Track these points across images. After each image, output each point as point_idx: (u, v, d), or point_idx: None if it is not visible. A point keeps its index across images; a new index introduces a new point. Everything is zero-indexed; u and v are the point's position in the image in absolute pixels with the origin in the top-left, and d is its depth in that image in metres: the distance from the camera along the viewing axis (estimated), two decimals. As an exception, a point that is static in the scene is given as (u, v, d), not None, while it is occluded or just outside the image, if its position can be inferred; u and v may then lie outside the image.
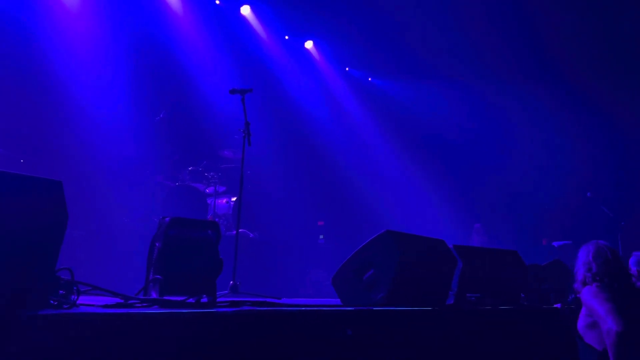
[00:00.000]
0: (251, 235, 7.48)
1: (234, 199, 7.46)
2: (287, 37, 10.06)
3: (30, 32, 6.85)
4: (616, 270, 3.38)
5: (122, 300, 2.48)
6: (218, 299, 3.31)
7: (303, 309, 2.64)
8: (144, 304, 2.49)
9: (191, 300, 2.62)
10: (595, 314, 3.29)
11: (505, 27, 8.67)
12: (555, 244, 8.87)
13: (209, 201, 7.33)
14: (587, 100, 9.77)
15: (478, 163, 10.76)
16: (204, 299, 2.67)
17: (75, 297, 2.24)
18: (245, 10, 9.36)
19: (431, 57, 9.94)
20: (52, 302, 2.16)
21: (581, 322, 3.46)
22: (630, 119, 9.57)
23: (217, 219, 7.31)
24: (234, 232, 5.32)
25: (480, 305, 4.07)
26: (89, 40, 7.48)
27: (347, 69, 11.23)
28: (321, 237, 9.26)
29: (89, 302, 2.47)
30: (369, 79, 11.58)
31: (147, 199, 7.11)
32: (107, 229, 6.36)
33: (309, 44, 10.36)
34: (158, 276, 2.56)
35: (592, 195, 8.29)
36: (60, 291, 2.27)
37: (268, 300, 3.92)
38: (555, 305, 4.69)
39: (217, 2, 9.10)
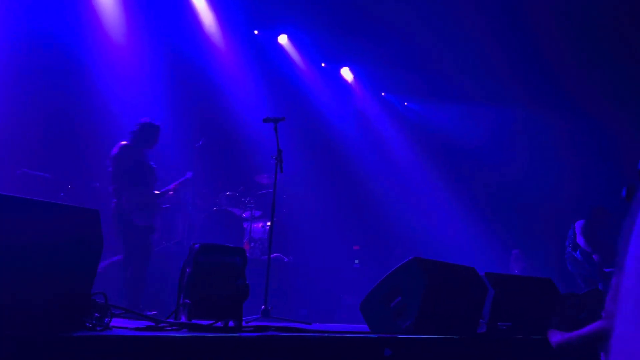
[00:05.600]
0: (286, 259, 7.58)
1: (269, 223, 7.59)
2: (323, 65, 10.26)
3: (79, 61, 7.27)
4: None
5: (153, 324, 2.60)
6: (249, 323, 3.41)
7: (327, 335, 2.69)
8: (174, 328, 2.60)
9: (218, 324, 2.72)
10: None
11: (542, 52, 8.61)
12: (605, 270, 8.57)
13: (245, 225, 7.50)
14: (629, 126, 9.53)
15: (517, 188, 10.57)
16: (231, 323, 2.77)
17: (109, 320, 2.37)
18: (283, 39, 9.62)
19: (467, 81, 9.92)
20: (87, 324, 2.31)
21: None
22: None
23: (252, 243, 7.46)
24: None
25: (511, 334, 4.01)
26: (134, 69, 7.86)
27: (383, 94, 11.33)
28: (356, 261, 9.27)
29: (122, 325, 2.61)
30: (405, 103, 11.63)
31: (186, 223, 7.33)
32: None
33: (345, 71, 10.53)
34: (187, 300, 2.68)
35: None
36: (96, 314, 2.41)
37: (296, 325, 3.99)
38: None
39: (256, 32, 9.41)
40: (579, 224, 7.58)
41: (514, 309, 4.14)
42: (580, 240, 7.52)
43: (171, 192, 5.87)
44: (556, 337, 3.61)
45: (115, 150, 5.50)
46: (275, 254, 6.75)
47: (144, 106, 7.80)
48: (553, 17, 7.78)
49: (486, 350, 3.67)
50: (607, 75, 8.74)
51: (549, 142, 10.39)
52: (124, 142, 5.55)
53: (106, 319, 2.36)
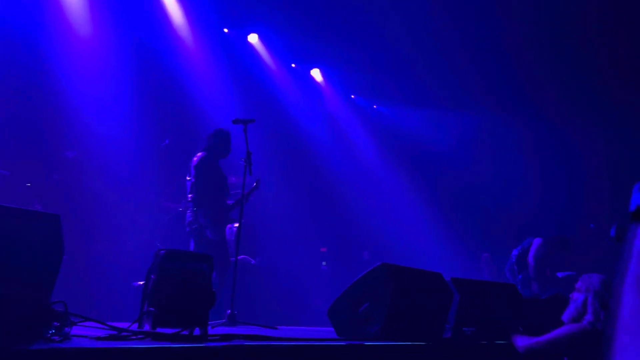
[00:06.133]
0: (253, 261, 7.51)
1: (236, 224, 7.50)
2: (293, 65, 10.21)
3: (40, 54, 7.01)
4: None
5: (115, 333, 2.52)
6: (213, 329, 3.35)
7: (293, 343, 2.66)
8: (138, 337, 2.53)
9: (184, 332, 2.66)
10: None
11: (509, 60, 8.79)
12: (559, 274, 8.80)
13: (211, 227, 7.38)
14: (587, 130, 9.84)
15: (485, 192, 10.76)
16: (196, 332, 2.71)
17: (69, 330, 2.29)
18: (253, 38, 9.52)
19: (435, 86, 10.05)
20: (46, 335, 2.21)
21: None
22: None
23: (219, 245, 7.36)
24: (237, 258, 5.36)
25: (476, 339, 4.06)
26: (97, 63, 7.63)
27: (352, 96, 11.36)
28: (324, 263, 9.27)
29: (84, 334, 2.52)
30: (374, 106, 11.70)
31: (151, 224, 7.18)
32: (110, 254, 6.41)
33: (315, 72, 10.50)
34: (152, 308, 2.61)
35: (595, 227, 8.26)
36: (55, 323, 2.32)
37: (263, 329, 3.95)
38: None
39: (226, 30, 9.29)
40: (536, 242, 7.40)
41: (478, 314, 4.20)
42: (530, 259, 7.34)
43: (245, 202, 5.77)
44: (523, 341, 3.71)
45: (195, 161, 5.51)
46: (242, 256, 6.67)
47: (108, 102, 7.60)
48: (519, 26, 7.96)
49: (451, 356, 3.70)
50: (571, 84, 9.00)
51: (515, 147, 10.63)
52: (201, 153, 5.55)
53: (66, 329, 2.27)
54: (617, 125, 9.40)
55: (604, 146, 9.78)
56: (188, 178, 5.57)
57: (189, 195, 5.55)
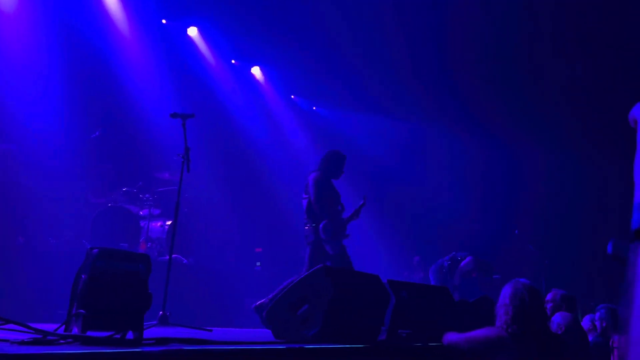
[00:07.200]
0: (185, 261, 7.30)
1: (168, 222, 7.27)
2: (233, 62, 10.05)
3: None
4: (532, 315, 3.47)
5: (40, 336, 2.34)
6: (146, 330, 3.20)
7: (233, 347, 2.58)
8: (65, 341, 2.36)
9: (116, 336, 2.51)
10: None
11: (455, 74, 9.08)
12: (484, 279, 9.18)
13: (142, 224, 7.11)
14: (516, 142, 10.34)
15: (417, 197, 11.04)
16: (130, 335, 2.57)
17: (-12, 334, 2.10)
18: (193, 31, 9.28)
19: (375, 92, 10.22)
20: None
21: None
22: (561, 161, 10.18)
23: (149, 243, 7.11)
24: (167, 257, 5.17)
25: (411, 341, 4.13)
26: (24, 48, 7.16)
27: (292, 96, 11.33)
28: (258, 264, 9.16)
29: (5, 337, 2.32)
30: (314, 107, 11.72)
31: (77, 220, 6.81)
32: (31, 251, 6.02)
33: (255, 70, 10.39)
34: (81, 310, 2.45)
35: (519, 232, 8.70)
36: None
37: (198, 332, 3.83)
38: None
39: (164, 21, 8.99)
40: (467, 259, 8.20)
41: (414, 316, 4.27)
42: (457, 274, 8.17)
43: (356, 217, 6.16)
44: (450, 336, 3.82)
45: (310, 181, 5.81)
46: (174, 255, 6.46)
47: (37, 91, 7.14)
48: (463, 38, 8.23)
49: (386, 358, 3.73)
50: (516, 101, 9.42)
51: (447, 156, 11.00)
52: (315, 173, 5.82)
53: (-16, 333, 2.08)
54: (545, 135, 9.93)
55: (532, 156, 10.31)
56: (305, 196, 5.84)
57: (307, 213, 5.83)
